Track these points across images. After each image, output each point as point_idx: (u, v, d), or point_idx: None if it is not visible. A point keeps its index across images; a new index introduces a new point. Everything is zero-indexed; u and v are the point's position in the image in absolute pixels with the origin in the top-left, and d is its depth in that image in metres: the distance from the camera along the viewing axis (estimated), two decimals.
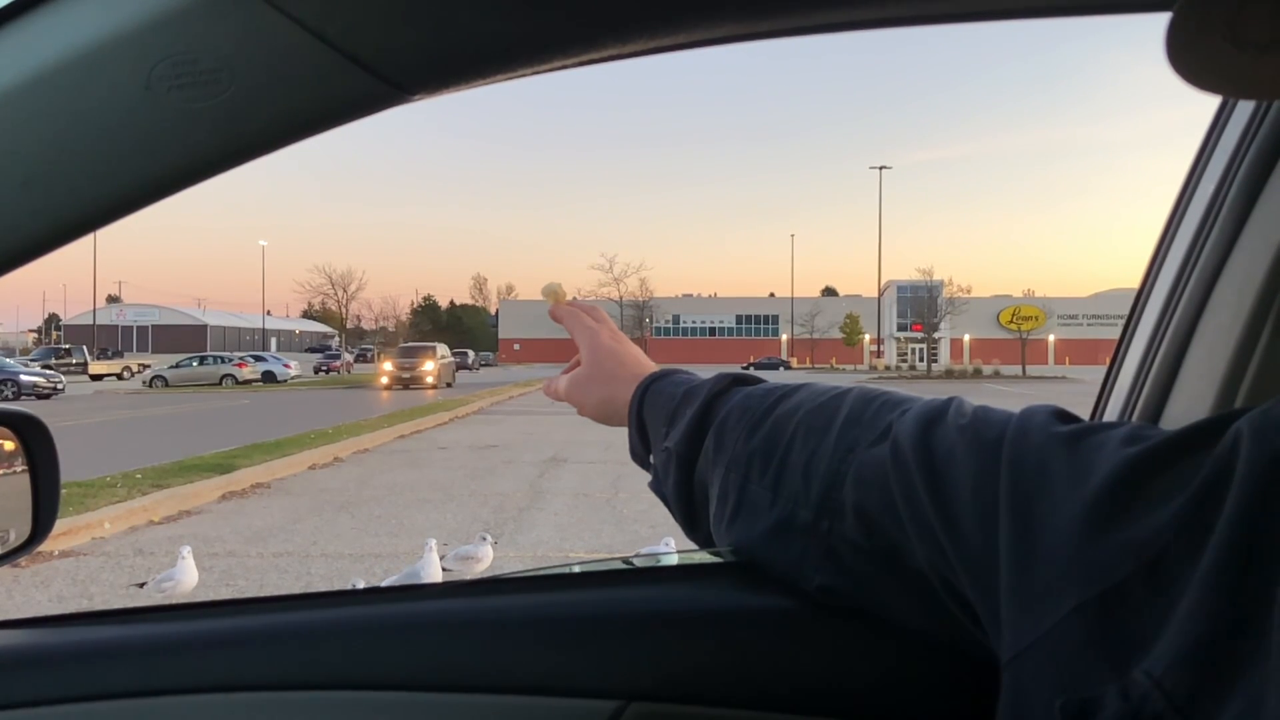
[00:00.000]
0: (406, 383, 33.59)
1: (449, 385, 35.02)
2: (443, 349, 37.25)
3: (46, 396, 28.33)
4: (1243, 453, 0.46)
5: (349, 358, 60.87)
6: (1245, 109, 0.85)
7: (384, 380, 34.38)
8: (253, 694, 0.74)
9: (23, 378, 29.46)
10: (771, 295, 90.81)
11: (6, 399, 26.51)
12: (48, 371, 32.28)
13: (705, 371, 0.91)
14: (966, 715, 0.72)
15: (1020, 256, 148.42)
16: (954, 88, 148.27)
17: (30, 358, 42.66)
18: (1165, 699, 0.43)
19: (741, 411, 0.80)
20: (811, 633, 0.75)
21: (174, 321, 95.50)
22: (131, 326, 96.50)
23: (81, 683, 0.74)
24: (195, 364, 40.50)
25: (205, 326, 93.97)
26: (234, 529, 8.27)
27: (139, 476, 10.09)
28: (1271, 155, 0.82)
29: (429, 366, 34.19)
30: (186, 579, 5.61)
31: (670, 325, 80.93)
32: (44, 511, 0.86)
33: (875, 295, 74.21)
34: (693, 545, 0.88)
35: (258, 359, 44.34)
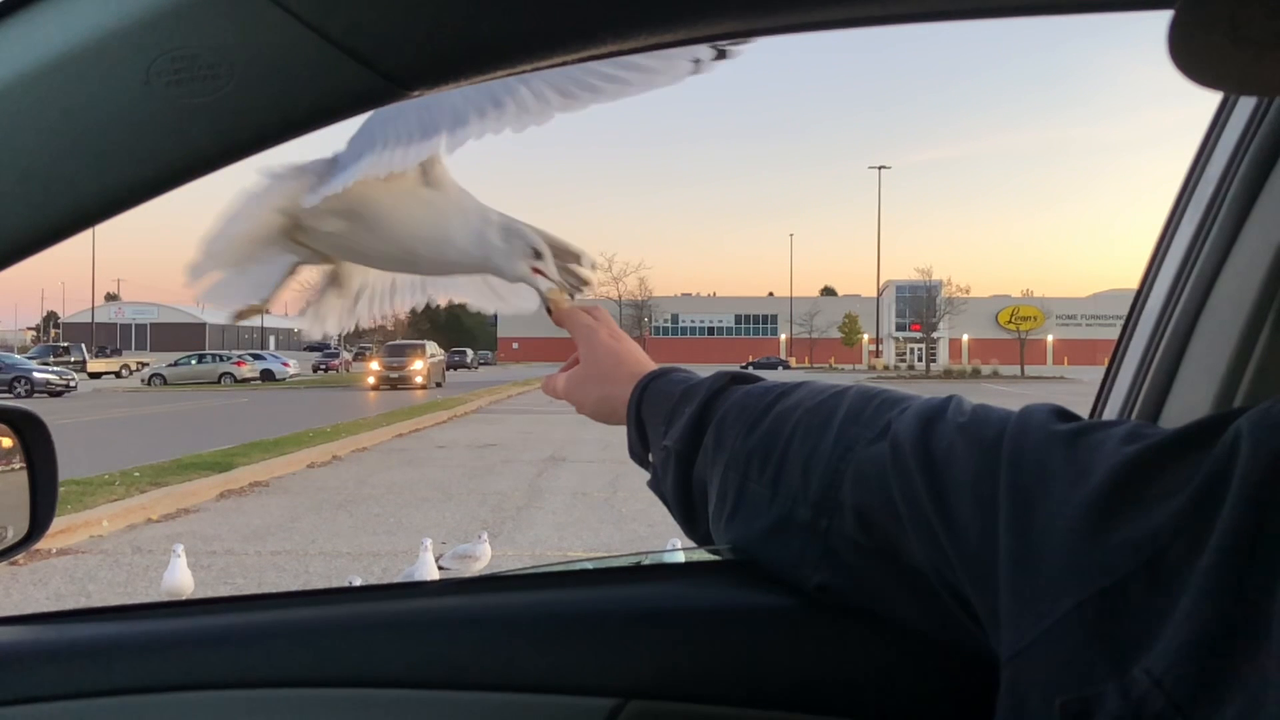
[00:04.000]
0: (394, 383, 32.54)
1: (438, 385, 34.10)
2: (432, 347, 36.20)
3: (59, 394, 28.14)
4: (1242, 451, 0.46)
5: (347, 356, 60.85)
6: (1245, 107, 0.85)
7: (370, 380, 33.18)
8: (250, 691, 0.74)
9: (35, 375, 29.28)
10: (770, 295, 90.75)
11: (20, 396, 26.37)
12: (59, 369, 32.18)
13: (704, 371, 0.91)
14: (965, 713, 0.72)
15: (1019, 256, 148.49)
16: (954, 87, 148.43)
17: (28, 356, 42.59)
18: (1165, 697, 0.43)
19: (740, 410, 0.80)
20: (810, 631, 0.75)
21: (173, 320, 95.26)
22: (130, 324, 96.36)
23: (79, 679, 0.74)
24: (194, 362, 40.42)
25: (204, 325, 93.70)
26: (232, 527, 8.26)
27: (137, 474, 10.07)
28: (1272, 153, 0.82)
29: (418, 366, 33.22)
30: (175, 578, 5.56)
31: (669, 325, 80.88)
32: (41, 509, 0.86)
33: (874, 295, 74.23)
34: (693, 544, 0.88)
35: (256, 357, 44.24)
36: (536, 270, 0.94)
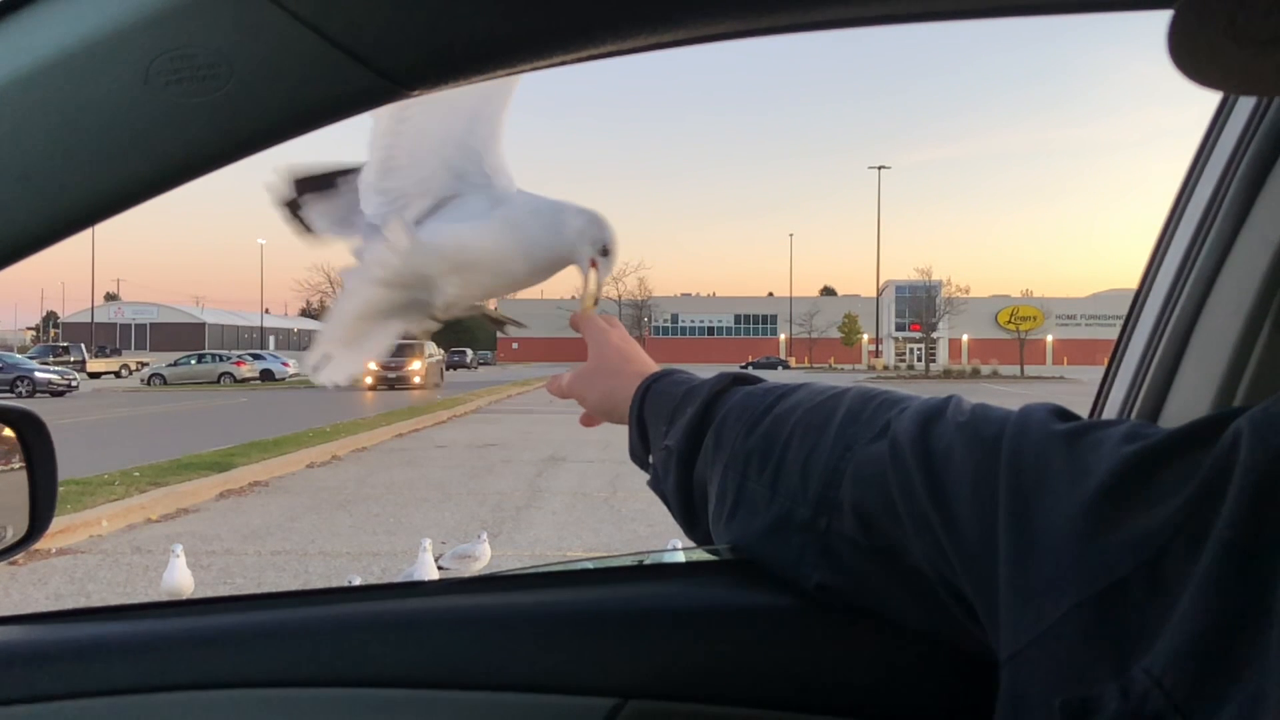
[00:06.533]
0: (392, 383, 31.91)
1: (437, 385, 33.62)
2: (430, 347, 35.65)
3: (61, 394, 28.07)
4: (1242, 451, 0.46)
5: None
6: (1245, 107, 0.85)
7: (367, 380, 33.04)
8: (250, 690, 0.74)
9: (37, 375, 29.16)
10: (770, 295, 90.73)
11: (21, 396, 26.32)
12: (61, 369, 32.11)
13: (704, 371, 0.92)
14: (965, 713, 0.72)
15: (1018, 257, 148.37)
16: (954, 87, 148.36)
17: (28, 356, 42.54)
18: (1165, 697, 0.43)
19: (741, 410, 0.80)
20: (809, 630, 0.75)
21: (172, 319, 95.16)
22: (130, 324, 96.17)
23: (79, 679, 0.74)
24: (193, 362, 40.37)
25: (204, 324, 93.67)
26: (232, 527, 8.25)
27: (137, 474, 10.06)
28: (1271, 153, 0.82)
29: (416, 366, 32.87)
30: (175, 578, 5.55)
31: (669, 325, 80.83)
32: (41, 508, 0.86)
33: (874, 295, 74.23)
34: (693, 544, 0.89)
35: (256, 357, 44.15)
36: (593, 264, 0.96)
